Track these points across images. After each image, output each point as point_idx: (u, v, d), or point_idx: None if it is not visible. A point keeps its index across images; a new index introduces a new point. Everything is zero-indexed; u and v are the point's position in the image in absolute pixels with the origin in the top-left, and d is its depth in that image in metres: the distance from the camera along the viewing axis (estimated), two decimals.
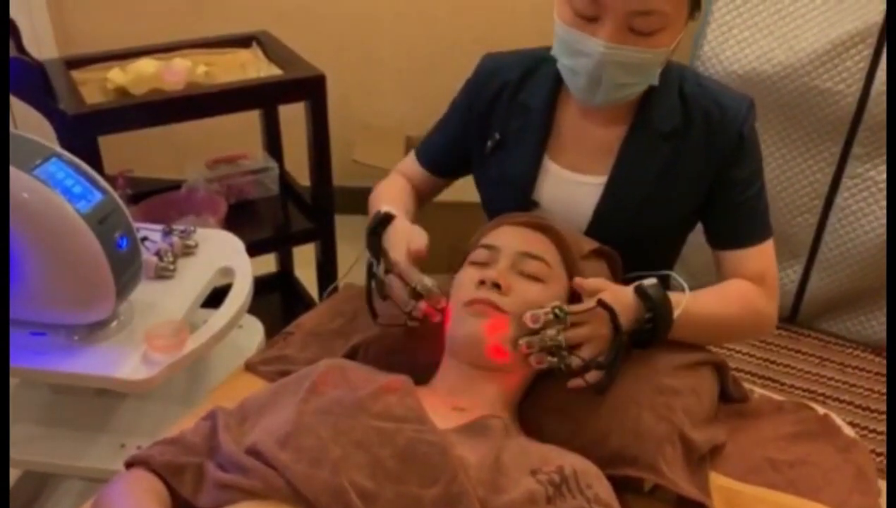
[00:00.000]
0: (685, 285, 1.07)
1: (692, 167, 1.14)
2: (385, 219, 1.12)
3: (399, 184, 1.34)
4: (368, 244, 1.12)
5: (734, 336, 1.19)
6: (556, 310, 0.96)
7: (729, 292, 1.14)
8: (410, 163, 1.37)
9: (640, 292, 1.01)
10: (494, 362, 0.98)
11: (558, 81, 1.17)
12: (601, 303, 0.97)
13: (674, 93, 1.14)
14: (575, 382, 0.99)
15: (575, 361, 0.96)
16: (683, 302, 1.03)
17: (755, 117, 1.15)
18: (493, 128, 1.23)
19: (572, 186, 1.18)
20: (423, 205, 1.37)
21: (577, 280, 1.03)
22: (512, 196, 1.21)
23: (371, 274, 1.10)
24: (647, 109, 1.14)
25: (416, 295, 1.03)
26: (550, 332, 0.96)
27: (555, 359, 0.96)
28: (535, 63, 1.21)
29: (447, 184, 1.39)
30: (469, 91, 1.28)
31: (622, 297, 1.00)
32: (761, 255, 1.16)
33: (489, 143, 1.23)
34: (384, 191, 1.31)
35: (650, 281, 1.02)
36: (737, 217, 1.16)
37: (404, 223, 1.13)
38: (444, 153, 1.33)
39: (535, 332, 0.96)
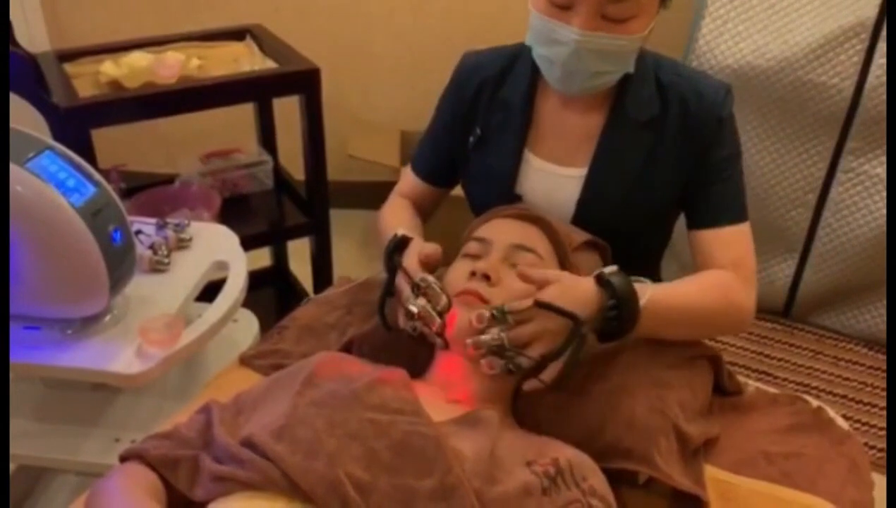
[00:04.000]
0: (647, 280, 1.03)
1: (671, 155, 1.14)
2: (402, 243, 1.11)
3: (402, 206, 1.32)
4: (387, 266, 1.11)
5: (710, 328, 1.14)
6: (494, 311, 0.93)
7: (703, 281, 1.10)
8: (408, 179, 1.36)
9: (601, 280, 0.97)
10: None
11: (536, 75, 1.17)
12: (538, 303, 0.93)
13: (650, 81, 1.14)
14: (530, 384, 0.96)
15: (524, 361, 0.93)
16: (649, 290, 0.99)
17: (733, 103, 1.15)
18: (474, 125, 1.23)
19: (554, 179, 1.19)
20: (428, 220, 1.35)
21: (522, 271, 0.97)
22: (495, 190, 1.22)
23: (387, 292, 1.09)
24: (624, 99, 1.14)
25: (417, 289, 1.01)
26: (493, 331, 0.93)
27: (502, 361, 0.94)
28: (513, 58, 1.22)
29: (447, 192, 1.37)
30: (451, 91, 1.28)
31: (577, 289, 0.96)
32: (737, 239, 1.13)
33: (471, 139, 1.23)
34: (390, 216, 1.29)
35: (611, 269, 0.98)
36: (712, 196, 1.14)
37: (417, 243, 1.11)
38: (437, 161, 1.33)
39: (481, 333, 0.94)
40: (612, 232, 1.15)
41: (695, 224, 1.17)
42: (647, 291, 0.99)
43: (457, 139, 1.26)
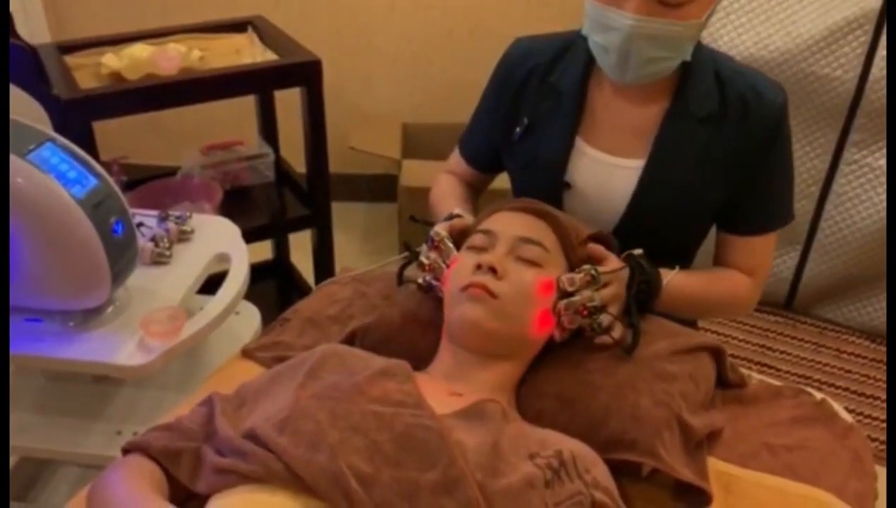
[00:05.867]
0: (676, 267, 1.14)
1: (728, 152, 1.14)
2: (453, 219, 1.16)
3: (452, 184, 1.36)
4: None
5: (713, 315, 1.32)
6: (593, 272, 1.00)
7: (718, 278, 1.21)
8: (456, 159, 1.38)
9: (633, 261, 1.07)
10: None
11: (589, 63, 1.17)
12: (629, 259, 1.05)
13: (709, 76, 1.13)
14: (602, 339, 1.02)
15: (606, 319, 1.01)
16: (671, 274, 1.11)
17: (787, 106, 1.15)
18: (522, 113, 1.22)
19: (608, 169, 1.18)
20: (479, 196, 1.39)
21: (591, 246, 1.07)
22: (543, 178, 1.21)
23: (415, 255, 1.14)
24: (684, 92, 1.13)
25: (431, 243, 1.08)
26: (587, 293, 1.00)
27: (588, 320, 1.01)
28: (565, 46, 1.21)
29: (492, 177, 1.38)
30: (497, 76, 1.27)
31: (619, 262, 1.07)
32: (763, 246, 1.21)
33: (518, 129, 1.22)
34: (442, 194, 1.33)
35: (638, 252, 1.08)
36: (758, 203, 1.18)
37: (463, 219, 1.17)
38: (483, 146, 1.33)
39: (569, 295, 1.00)
40: (662, 224, 1.17)
41: (729, 229, 1.22)
42: (668, 275, 1.11)
43: (500, 126, 1.26)
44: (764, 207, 1.19)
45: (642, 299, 1.07)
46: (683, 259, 1.27)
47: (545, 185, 1.20)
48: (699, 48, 1.12)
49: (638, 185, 1.16)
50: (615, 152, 1.18)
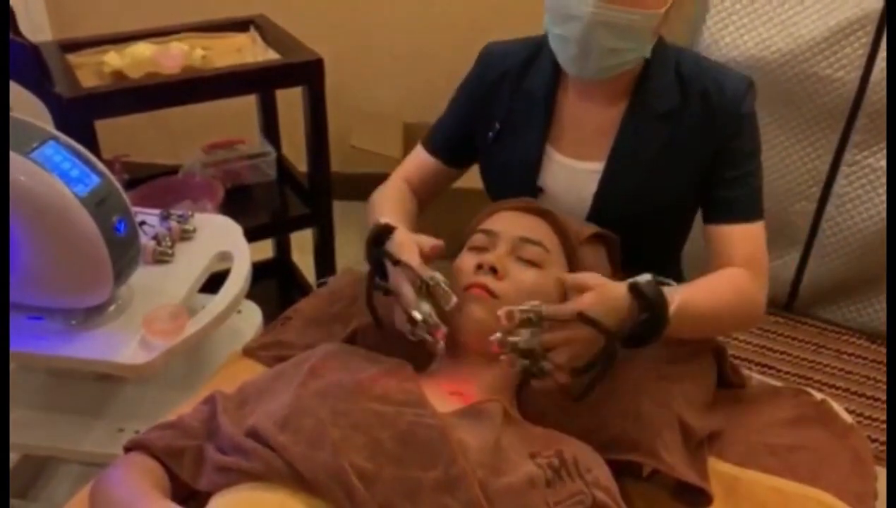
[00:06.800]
0: (673, 282, 0.97)
1: (690, 147, 1.13)
2: (385, 231, 1.05)
3: (398, 189, 1.28)
4: (368, 255, 1.06)
5: (727, 326, 1.15)
6: (531, 316, 0.88)
7: (721, 280, 1.09)
8: (414, 158, 1.33)
9: (635, 290, 0.92)
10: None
11: (558, 67, 1.17)
12: (581, 318, 0.88)
13: (670, 73, 1.13)
14: (541, 383, 0.93)
15: (547, 366, 0.90)
16: (678, 298, 0.94)
17: (755, 97, 1.15)
18: (495, 116, 1.22)
19: (573, 173, 1.19)
20: (426, 208, 1.31)
21: (561, 276, 0.97)
22: (517, 182, 1.21)
23: (374, 285, 1.04)
24: (643, 90, 1.14)
25: (424, 290, 0.96)
26: (524, 334, 0.89)
27: (527, 362, 0.90)
28: (537, 50, 1.21)
29: (452, 175, 1.33)
30: (473, 74, 1.27)
31: (612, 297, 0.92)
32: (752, 236, 1.13)
33: (490, 134, 1.23)
34: (383, 199, 1.24)
35: (645, 278, 0.93)
36: (731, 190, 1.14)
37: (406, 233, 1.05)
38: (452, 137, 1.30)
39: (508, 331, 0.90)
40: (628, 224, 1.15)
41: (711, 218, 1.17)
42: (675, 298, 0.94)
43: (471, 124, 1.26)
44: (738, 192, 1.14)
45: (642, 333, 0.92)
46: (664, 258, 1.24)
47: (519, 190, 1.19)
48: (662, 46, 1.13)
49: (599, 187, 1.16)
50: (579, 156, 1.18)
